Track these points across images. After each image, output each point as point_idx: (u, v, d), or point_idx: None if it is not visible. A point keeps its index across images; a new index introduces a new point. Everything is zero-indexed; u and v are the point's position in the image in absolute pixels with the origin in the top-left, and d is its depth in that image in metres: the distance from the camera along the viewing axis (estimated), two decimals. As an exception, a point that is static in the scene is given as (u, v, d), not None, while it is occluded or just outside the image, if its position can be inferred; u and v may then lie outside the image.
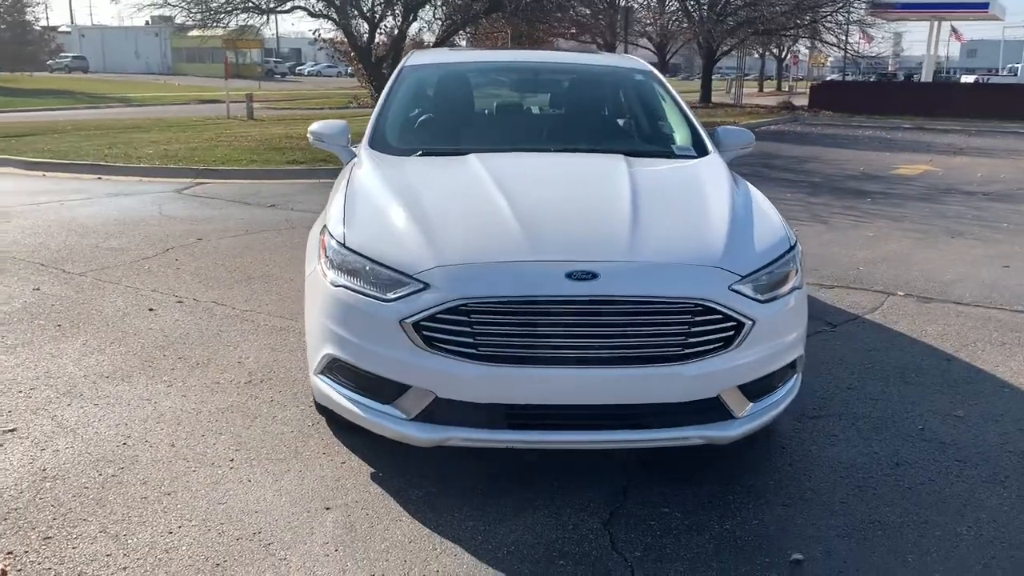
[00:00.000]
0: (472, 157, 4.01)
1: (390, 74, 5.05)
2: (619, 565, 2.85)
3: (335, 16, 17.69)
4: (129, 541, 2.93)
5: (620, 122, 4.90)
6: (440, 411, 3.08)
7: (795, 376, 3.51)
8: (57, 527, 3.01)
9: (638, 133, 4.69)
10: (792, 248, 3.42)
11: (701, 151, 4.37)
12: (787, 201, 10.63)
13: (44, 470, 3.42)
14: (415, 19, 18.38)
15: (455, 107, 4.86)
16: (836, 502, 3.27)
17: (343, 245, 3.30)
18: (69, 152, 13.77)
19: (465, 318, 2.98)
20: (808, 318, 3.52)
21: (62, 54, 64.06)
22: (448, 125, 4.68)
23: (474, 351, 2.99)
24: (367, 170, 3.98)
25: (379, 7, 17.94)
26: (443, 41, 19.43)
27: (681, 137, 4.54)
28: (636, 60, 5.36)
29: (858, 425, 3.97)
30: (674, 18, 34.94)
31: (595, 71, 5.31)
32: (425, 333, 3.01)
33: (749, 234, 3.41)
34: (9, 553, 2.84)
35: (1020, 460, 3.65)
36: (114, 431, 3.77)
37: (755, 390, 3.26)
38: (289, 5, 18.08)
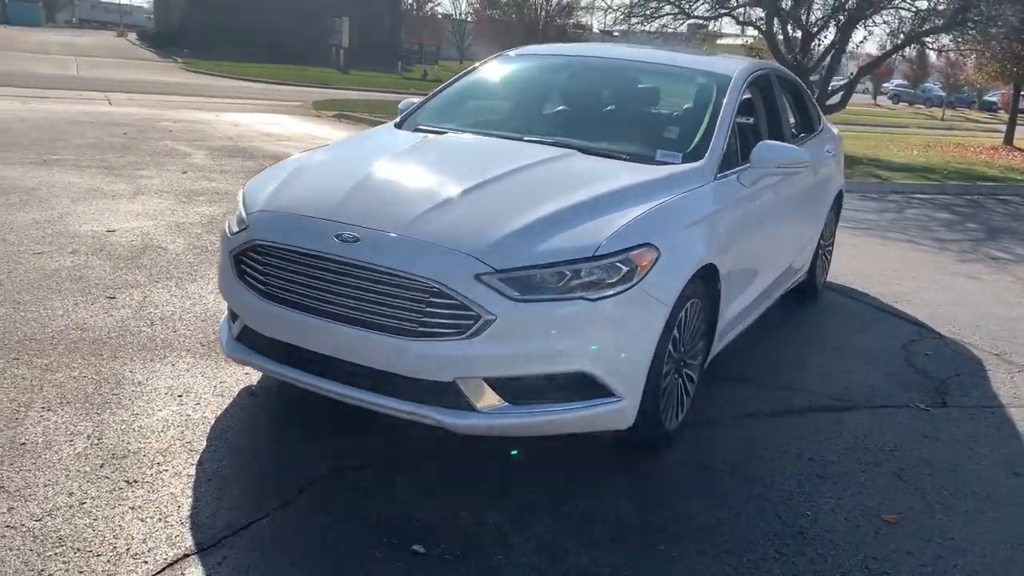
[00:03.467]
0: (440, 135, 4.30)
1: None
2: (284, 512, 3.05)
3: (761, 25, 17.41)
4: (49, 376, 3.95)
5: (625, 123, 4.58)
6: (248, 337, 3.56)
7: (608, 401, 3.22)
8: (29, 356, 4.15)
9: (630, 134, 4.38)
10: (596, 258, 3.14)
11: (691, 159, 4.01)
12: None
13: (86, 325, 4.62)
14: (858, 29, 17.15)
15: (494, 94, 5.05)
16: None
17: (243, 188, 3.92)
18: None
19: (260, 258, 3.42)
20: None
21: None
22: (467, 109, 4.90)
23: (263, 289, 3.41)
24: (350, 135, 4.50)
25: (820, 19, 17.14)
26: (889, 56, 17.87)
27: (688, 143, 4.17)
28: (728, 64, 4.83)
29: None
30: None
31: (659, 71, 5.00)
32: (240, 266, 3.52)
33: (551, 232, 3.21)
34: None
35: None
36: (160, 315, 4.85)
37: (516, 391, 3.14)
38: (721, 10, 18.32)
